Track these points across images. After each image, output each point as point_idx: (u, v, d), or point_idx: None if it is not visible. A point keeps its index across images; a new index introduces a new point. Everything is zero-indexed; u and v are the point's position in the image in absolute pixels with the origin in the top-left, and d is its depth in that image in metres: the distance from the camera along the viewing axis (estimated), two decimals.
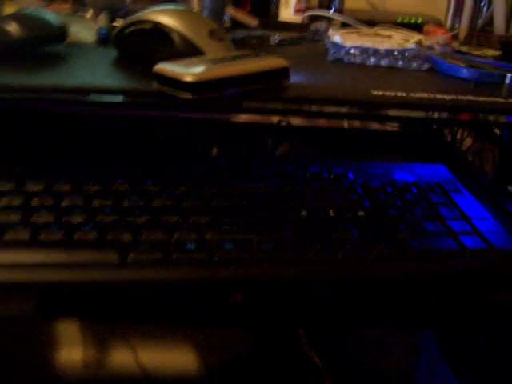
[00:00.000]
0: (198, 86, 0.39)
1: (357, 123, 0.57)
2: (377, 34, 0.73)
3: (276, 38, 0.65)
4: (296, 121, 0.59)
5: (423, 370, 0.81)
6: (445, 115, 0.46)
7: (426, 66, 0.59)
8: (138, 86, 0.43)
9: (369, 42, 0.63)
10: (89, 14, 0.66)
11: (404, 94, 0.46)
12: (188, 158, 0.51)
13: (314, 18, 0.81)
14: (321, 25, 0.75)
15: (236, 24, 0.76)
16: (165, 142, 0.59)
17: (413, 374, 0.82)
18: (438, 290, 0.40)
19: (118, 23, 0.62)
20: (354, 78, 0.52)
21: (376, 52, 0.60)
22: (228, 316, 0.41)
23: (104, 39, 0.58)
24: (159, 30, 0.48)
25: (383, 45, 0.63)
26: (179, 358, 1.00)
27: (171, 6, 0.51)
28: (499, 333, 0.54)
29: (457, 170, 0.58)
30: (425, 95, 0.47)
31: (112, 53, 0.53)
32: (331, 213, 0.44)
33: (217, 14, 0.60)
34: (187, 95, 0.39)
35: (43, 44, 0.51)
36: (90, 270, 0.38)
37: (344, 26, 0.75)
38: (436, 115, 0.46)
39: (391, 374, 0.77)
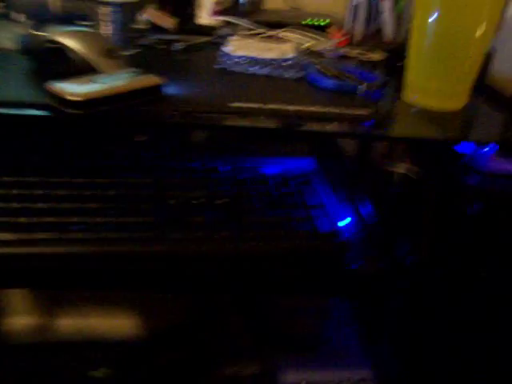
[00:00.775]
0: (82, 104, 0.50)
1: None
2: (275, 39, 0.83)
3: (180, 44, 0.76)
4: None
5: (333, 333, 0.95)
6: (293, 124, 0.57)
7: (299, 75, 0.70)
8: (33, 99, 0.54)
9: (255, 52, 0.74)
10: (27, 22, 0.74)
11: (258, 106, 0.58)
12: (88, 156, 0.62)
13: (227, 21, 0.91)
14: (227, 30, 0.85)
15: (154, 26, 0.86)
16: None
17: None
18: (270, 264, 0.53)
19: (38, 32, 0.72)
20: (223, 88, 0.62)
21: (259, 61, 0.71)
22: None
23: (25, 47, 0.67)
24: (62, 49, 0.58)
25: (267, 54, 0.74)
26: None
27: (76, 28, 0.61)
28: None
29: (325, 161, 0.70)
30: (275, 106, 0.58)
31: (27, 62, 0.63)
32: (195, 201, 0.56)
33: (123, 29, 0.70)
34: (71, 111, 0.50)
35: None
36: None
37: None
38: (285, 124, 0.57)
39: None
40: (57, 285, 0.58)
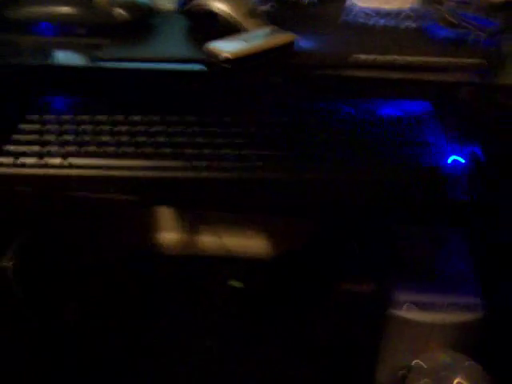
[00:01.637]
0: (232, 61, 0.63)
1: None
2: None
3: None
4: None
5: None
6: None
7: (416, 24, 0.76)
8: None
9: (379, 2, 0.80)
10: None
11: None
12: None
13: None
14: None
15: None
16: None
17: None
18: (378, 193, 0.63)
19: None
20: (345, 41, 0.71)
21: (381, 13, 0.79)
22: None
23: (182, 10, 0.80)
24: (213, 12, 0.71)
25: (391, 4, 0.81)
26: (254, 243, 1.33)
27: None
28: None
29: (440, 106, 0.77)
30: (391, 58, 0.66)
31: (185, 23, 0.77)
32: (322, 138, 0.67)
33: None
34: (224, 66, 0.63)
35: (139, 21, 0.75)
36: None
37: None
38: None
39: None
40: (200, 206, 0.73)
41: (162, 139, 0.68)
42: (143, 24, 0.76)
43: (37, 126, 0.71)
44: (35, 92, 0.75)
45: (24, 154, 0.67)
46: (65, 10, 0.74)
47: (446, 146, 0.68)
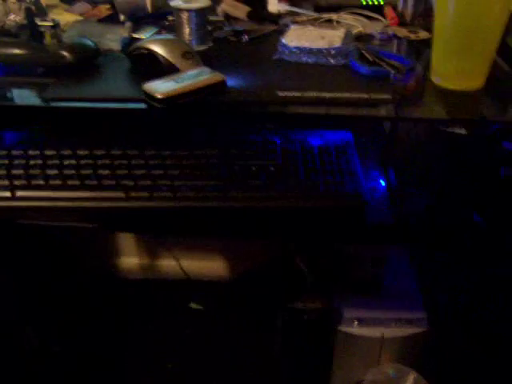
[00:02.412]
0: (165, 100, 0.69)
1: None
2: (330, 24, 0.96)
3: (246, 37, 0.92)
4: None
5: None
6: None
7: (343, 62, 0.83)
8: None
9: (309, 41, 0.87)
10: (127, 25, 0.93)
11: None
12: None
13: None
14: (289, 18, 1.00)
15: (229, 16, 1.02)
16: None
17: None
18: (307, 218, 0.70)
19: (137, 35, 0.91)
20: (275, 78, 0.77)
21: (311, 50, 0.85)
22: None
23: (125, 51, 0.86)
24: (151, 54, 0.77)
25: (319, 43, 0.88)
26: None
27: (162, 36, 0.80)
28: None
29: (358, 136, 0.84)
30: (314, 94, 0.73)
31: (128, 63, 0.83)
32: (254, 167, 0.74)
33: (199, 28, 0.87)
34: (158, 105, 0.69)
35: (85, 62, 0.81)
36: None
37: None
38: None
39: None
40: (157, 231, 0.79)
41: (105, 172, 0.73)
42: (89, 64, 0.82)
43: None
44: None
45: None
46: (16, 51, 0.80)
47: (365, 173, 0.75)
